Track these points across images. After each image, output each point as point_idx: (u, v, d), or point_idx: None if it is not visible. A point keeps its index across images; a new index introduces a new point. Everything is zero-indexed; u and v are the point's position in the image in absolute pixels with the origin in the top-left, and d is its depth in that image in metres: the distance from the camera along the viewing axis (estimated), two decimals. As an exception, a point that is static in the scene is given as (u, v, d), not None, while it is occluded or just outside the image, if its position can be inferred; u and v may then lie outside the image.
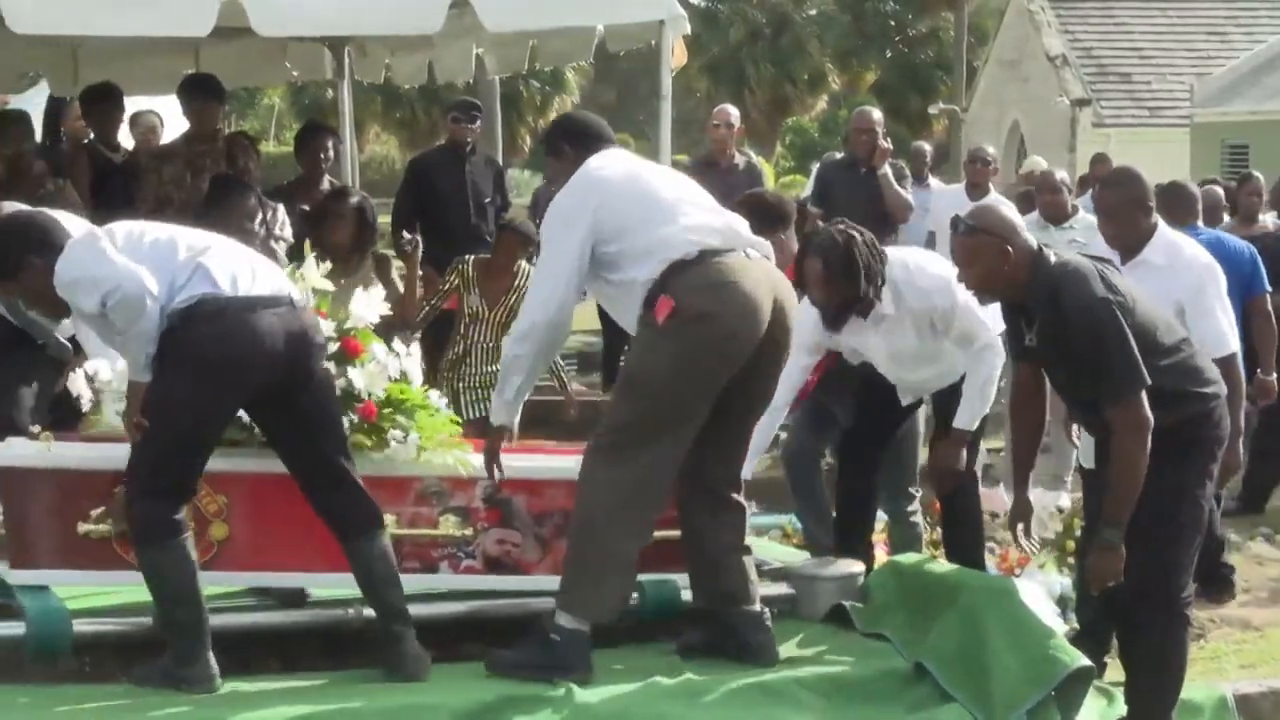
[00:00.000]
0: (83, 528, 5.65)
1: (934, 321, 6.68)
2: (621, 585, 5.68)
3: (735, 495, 5.91)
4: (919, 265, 6.80)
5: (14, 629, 5.46)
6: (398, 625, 5.56)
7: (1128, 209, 6.69)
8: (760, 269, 5.70)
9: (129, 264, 5.30)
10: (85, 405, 6.07)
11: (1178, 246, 6.76)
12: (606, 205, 5.66)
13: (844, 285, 6.58)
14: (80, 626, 5.48)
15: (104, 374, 5.98)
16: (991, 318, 6.49)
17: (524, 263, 9.01)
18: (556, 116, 6.13)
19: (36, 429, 5.91)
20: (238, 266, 5.48)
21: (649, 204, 5.69)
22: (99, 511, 5.66)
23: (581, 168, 5.80)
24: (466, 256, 9.04)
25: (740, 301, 5.56)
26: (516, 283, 8.92)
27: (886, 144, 10.86)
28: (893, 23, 47.14)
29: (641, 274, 5.61)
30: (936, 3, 42.69)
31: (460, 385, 8.91)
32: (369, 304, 6.09)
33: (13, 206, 6.40)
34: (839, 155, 11.54)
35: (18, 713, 5.13)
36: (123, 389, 5.80)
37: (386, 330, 8.24)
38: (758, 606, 5.88)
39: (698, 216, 5.70)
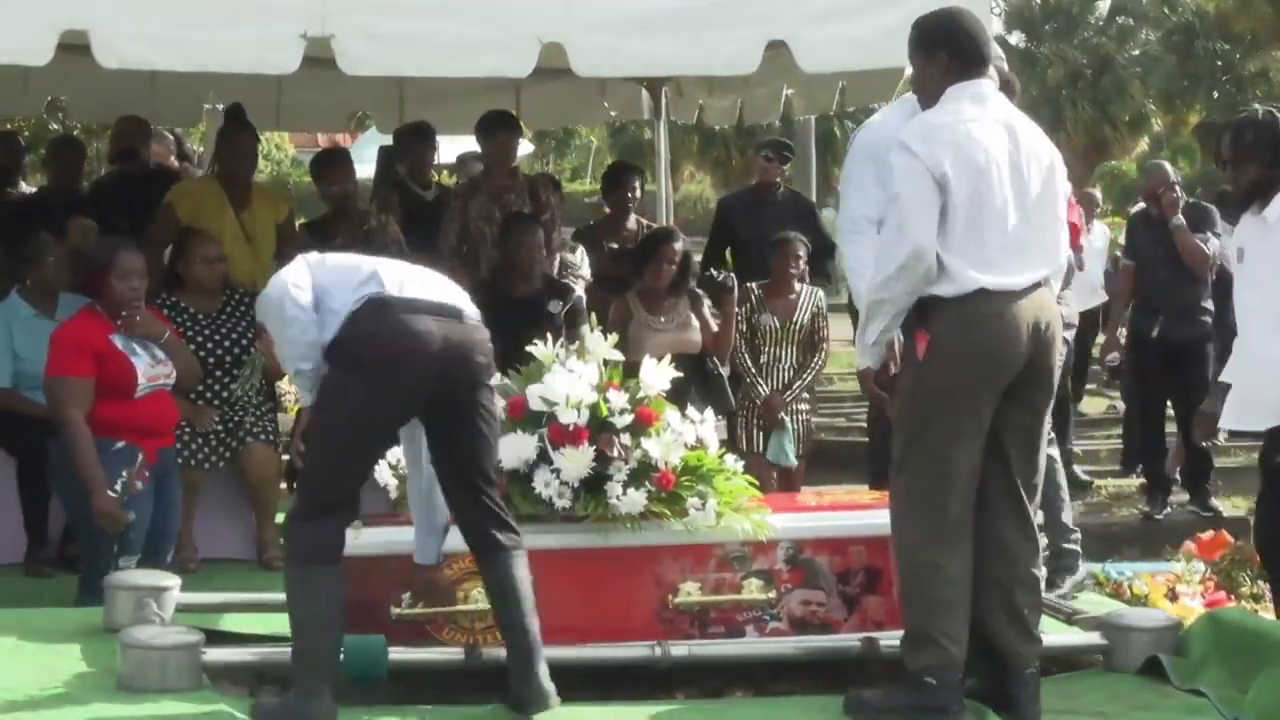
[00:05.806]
0: (395, 611, 5.78)
1: None
2: (946, 626, 5.39)
3: (1016, 542, 5.54)
4: None
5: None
6: (526, 651, 5.36)
7: None
8: (1028, 301, 5.46)
9: (281, 273, 5.36)
10: (392, 494, 6.13)
11: None
12: (955, 180, 5.40)
13: (1256, 159, 6.33)
14: (396, 655, 5.59)
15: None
16: None
17: (805, 284, 9.04)
18: (937, 10, 5.81)
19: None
20: (414, 276, 5.42)
21: (983, 218, 5.44)
22: (408, 595, 5.79)
23: (953, 111, 5.56)
24: (749, 284, 9.08)
25: (994, 334, 5.37)
26: (801, 298, 8.95)
27: (1175, 195, 10.74)
28: (1219, 62, 45.98)
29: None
30: (1268, 41, 41.50)
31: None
32: (659, 372, 6.10)
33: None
34: (1145, 207, 11.40)
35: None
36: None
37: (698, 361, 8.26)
38: (1021, 663, 5.50)
39: (1010, 243, 5.46)
